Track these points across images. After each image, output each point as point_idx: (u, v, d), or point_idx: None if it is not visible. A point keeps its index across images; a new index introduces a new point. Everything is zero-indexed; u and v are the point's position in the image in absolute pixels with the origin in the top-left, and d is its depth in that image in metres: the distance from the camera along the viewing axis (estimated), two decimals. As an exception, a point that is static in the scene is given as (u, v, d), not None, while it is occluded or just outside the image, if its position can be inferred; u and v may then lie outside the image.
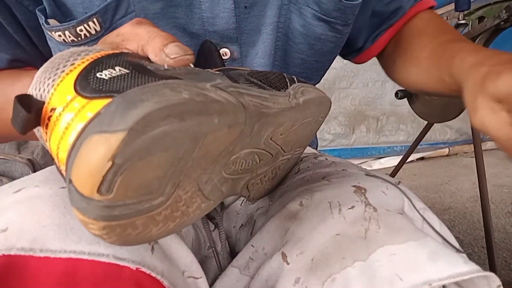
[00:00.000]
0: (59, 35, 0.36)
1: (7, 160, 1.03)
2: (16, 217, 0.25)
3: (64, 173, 0.21)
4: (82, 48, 0.24)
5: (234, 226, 0.46)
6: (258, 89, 0.27)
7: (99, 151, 0.17)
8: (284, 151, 0.33)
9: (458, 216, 1.53)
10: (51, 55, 0.43)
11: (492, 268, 1.03)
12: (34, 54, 0.43)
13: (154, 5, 0.38)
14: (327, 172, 0.40)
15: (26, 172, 1.02)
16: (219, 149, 0.24)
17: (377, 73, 2.09)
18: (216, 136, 0.22)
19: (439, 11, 1.93)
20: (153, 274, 0.26)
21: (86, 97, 0.20)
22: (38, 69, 0.47)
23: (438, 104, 1.19)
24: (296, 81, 0.33)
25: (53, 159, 0.23)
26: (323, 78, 0.55)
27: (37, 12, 0.37)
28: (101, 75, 0.22)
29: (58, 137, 0.20)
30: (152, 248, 0.28)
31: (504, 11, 1.02)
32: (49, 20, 0.37)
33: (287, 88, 0.31)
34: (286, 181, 0.43)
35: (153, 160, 0.18)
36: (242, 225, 0.45)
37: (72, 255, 0.24)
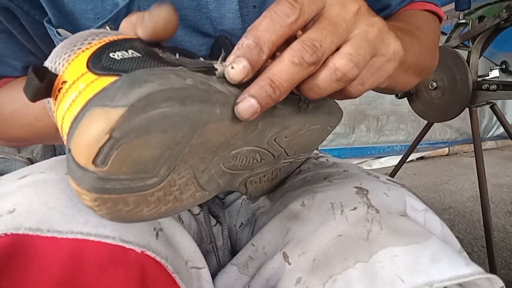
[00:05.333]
0: None
1: (7, 159, 1.03)
2: (23, 199, 0.25)
3: (65, 142, 0.21)
4: (101, 30, 0.25)
5: (234, 225, 0.46)
6: None
7: (99, 124, 0.17)
8: (287, 154, 0.33)
9: (458, 216, 1.53)
10: None
11: (492, 267, 1.03)
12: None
13: None
14: (329, 173, 0.40)
15: (26, 171, 1.02)
16: (219, 141, 0.24)
17: (377, 72, 2.09)
18: (216, 127, 0.22)
19: (439, 11, 1.93)
20: (157, 258, 0.26)
21: (95, 73, 0.21)
22: None
23: (438, 104, 1.19)
24: None
25: (58, 131, 0.24)
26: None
27: (46, 25, 0.37)
28: (113, 55, 0.23)
29: (64, 108, 0.21)
30: (157, 234, 0.28)
31: (504, 11, 1.02)
32: (59, 31, 0.37)
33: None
34: (287, 181, 0.43)
35: (150, 140, 0.19)
36: (242, 223, 0.45)
37: (79, 236, 0.24)
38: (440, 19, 0.53)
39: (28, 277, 0.22)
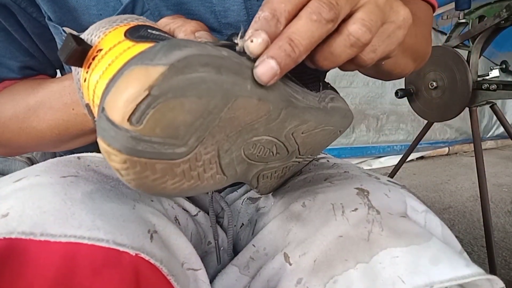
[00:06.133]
0: None
1: (7, 159, 1.02)
2: (17, 203, 0.25)
3: (95, 108, 0.22)
4: (141, 16, 0.27)
5: (235, 225, 0.46)
6: (291, 82, 0.29)
7: (138, 80, 0.18)
8: (299, 152, 0.33)
9: (458, 215, 1.53)
10: (59, 61, 0.44)
11: (491, 267, 1.03)
12: (43, 61, 0.43)
13: (167, 2, 0.38)
14: (329, 174, 0.41)
15: (26, 171, 1.02)
16: (245, 120, 0.24)
17: (377, 72, 2.08)
18: (245, 104, 0.22)
19: (440, 10, 1.93)
20: (152, 261, 0.26)
21: (133, 41, 0.22)
22: (49, 76, 0.47)
23: (438, 103, 1.19)
24: (329, 88, 0.35)
25: (87, 105, 0.25)
26: (324, 78, 0.55)
27: (51, 23, 0.37)
28: (151, 30, 0.24)
29: (99, 73, 0.22)
30: (151, 237, 0.28)
31: (504, 10, 1.02)
32: (65, 29, 0.37)
33: (319, 91, 0.32)
34: (287, 182, 0.43)
35: (185, 103, 0.19)
36: (243, 224, 0.45)
37: (72, 240, 0.24)
38: (433, 8, 0.54)
39: (21, 281, 0.22)
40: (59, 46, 0.40)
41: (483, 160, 1.09)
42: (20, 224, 0.23)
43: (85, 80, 0.24)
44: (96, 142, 0.47)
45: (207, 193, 0.48)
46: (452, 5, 1.28)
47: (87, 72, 0.23)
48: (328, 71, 0.55)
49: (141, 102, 0.18)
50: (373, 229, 0.30)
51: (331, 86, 0.36)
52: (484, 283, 0.28)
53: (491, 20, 1.06)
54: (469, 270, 0.27)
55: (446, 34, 1.34)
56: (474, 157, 1.12)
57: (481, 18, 1.16)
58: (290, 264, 0.31)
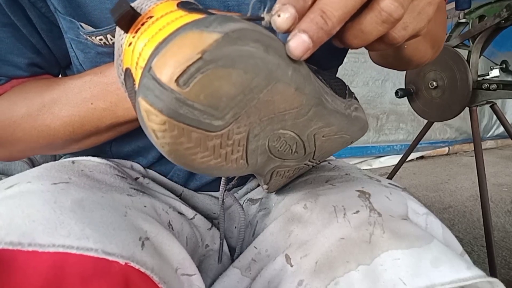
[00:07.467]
0: (100, 39, 0.36)
1: (7, 159, 1.02)
2: (6, 212, 0.25)
3: (138, 71, 0.23)
4: None
5: (235, 227, 0.46)
6: (322, 83, 0.29)
7: (192, 43, 0.18)
8: (314, 155, 0.34)
9: (457, 215, 1.53)
10: (66, 59, 0.43)
11: (491, 267, 1.03)
12: (49, 58, 0.43)
13: None
14: (331, 176, 0.41)
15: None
16: (279, 108, 0.24)
17: (377, 71, 2.08)
18: (284, 89, 0.23)
19: (440, 10, 1.93)
20: (142, 269, 0.26)
21: (185, 10, 0.23)
22: (54, 75, 0.47)
23: (438, 103, 1.19)
24: (354, 98, 0.35)
25: (127, 69, 0.25)
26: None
27: (67, 18, 0.37)
28: (201, 6, 0.25)
29: (149, 36, 0.22)
30: (143, 244, 0.28)
31: (504, 10, 1.02)
32: (82, 24, 0.37)
33: (345, 98, 0.33)
34: (289, 183, 0.43)
35: (232, 74, 0.20)
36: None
37: (61, 249, 0.23)
38: None
39: None
40: (68, 41, 0.40)
41: (483, 159, 1.09)
42: (8, 234, 0.23)
43: (129, 44, 0.24)
44: (97, 145, 0.46)
45: (217, 197, 0.47)
46: (452, 5, 1.28)
47: (133, 37, 0.23)
48: (338, 67, 0.54)
49: (191, 64, 0.18)
50: (374, 231, 0.30)
51: (355, 96, 0.36)
52: (485, 285, 0.28)
53: (491, 19, 1.06)
54: (470, 273, 0.27)
55: (446, 34, 1.34)
56: (474, 157, 1.12)
57: (481, 17, 1.16)
58: (292, 266, 0.31)
